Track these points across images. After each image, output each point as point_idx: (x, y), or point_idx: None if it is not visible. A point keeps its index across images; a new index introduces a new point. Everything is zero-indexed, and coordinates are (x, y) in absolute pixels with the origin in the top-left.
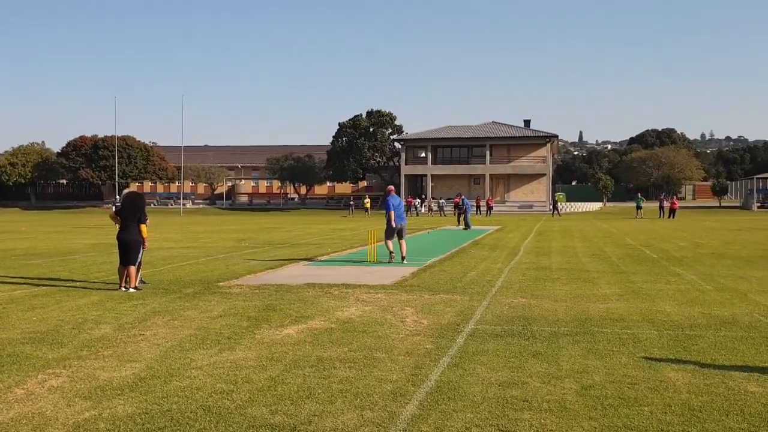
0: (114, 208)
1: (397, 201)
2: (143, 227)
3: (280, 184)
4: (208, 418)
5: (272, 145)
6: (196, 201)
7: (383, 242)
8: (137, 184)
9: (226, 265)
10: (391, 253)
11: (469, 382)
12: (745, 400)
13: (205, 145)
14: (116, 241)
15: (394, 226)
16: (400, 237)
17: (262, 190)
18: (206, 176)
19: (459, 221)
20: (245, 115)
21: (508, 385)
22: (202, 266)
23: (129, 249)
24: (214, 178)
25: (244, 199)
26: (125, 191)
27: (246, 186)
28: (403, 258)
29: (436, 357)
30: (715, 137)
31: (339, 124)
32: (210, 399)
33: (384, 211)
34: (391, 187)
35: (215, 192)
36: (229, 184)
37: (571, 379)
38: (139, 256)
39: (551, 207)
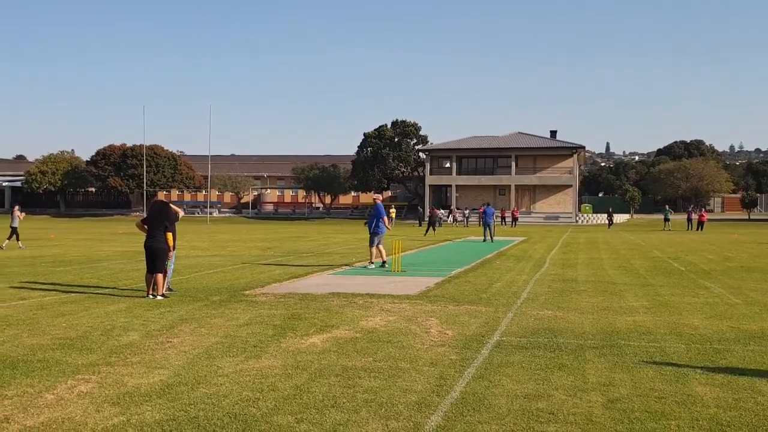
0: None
1: (375, 211)
2: (169, 235)
3: (305, 194)
4: (234, 426)
5: (298, 154)
6: (222, 210)
7: (386, 253)
8: (165, 192)
9: (252, 273)
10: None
11: (494, 393)
12: None
13: (232, 155)
14: (143, 249)
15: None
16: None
17: (288, 199)
18: (233, 185)
19: (426, 231)
20: (272, 124)
21: (534, 398)
22: (228, 274)
23: (156, 257)
24: (241, 187)
25: (270, 208)
26: (153, 200)
27: (272, 195)
28: (371, 262)
29: (461, 368)
30: (745, 149)
31: (364, 134)
32: (236, 406)
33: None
34: (377, 196)
35: (241, 201)
36: (255, 193)
37: (598, 392)
38: (167, 263)
39: (608, 219)
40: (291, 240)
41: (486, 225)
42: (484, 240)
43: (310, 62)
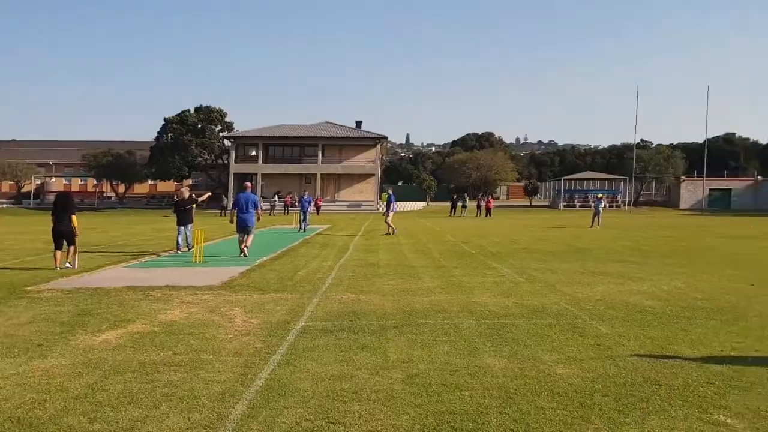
0: None
1: (244, 198)
2: (74, 218)
3: (95, 182)
4: (19, 430)
5: (89, 140)
6: None
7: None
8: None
9: (36, 268)
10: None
11: (299, 378)
12: (554, 381)
13: (13, 140)
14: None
15: (231, 221)
16: (246, 232)
17: (76, 188)
18: (12, 173)
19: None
20: (61, 111)
21: (338, 379)
22: (6, 270)
23: (66, 238)
24: (22, 175)
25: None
26: (56, 192)
27: (57, 184)
28: (243, 250)
29: (266, 356)
30: (529, 141)
31: (164, 119)
32: (20, 410)
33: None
34: (247, 183)
35: (22, 190)
36: (38, 181)
37: (398, 369)
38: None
39: (451, 207)
40: (80, 232)
41: (302, 213)
42: (300, 229)
43: (105, 44)
